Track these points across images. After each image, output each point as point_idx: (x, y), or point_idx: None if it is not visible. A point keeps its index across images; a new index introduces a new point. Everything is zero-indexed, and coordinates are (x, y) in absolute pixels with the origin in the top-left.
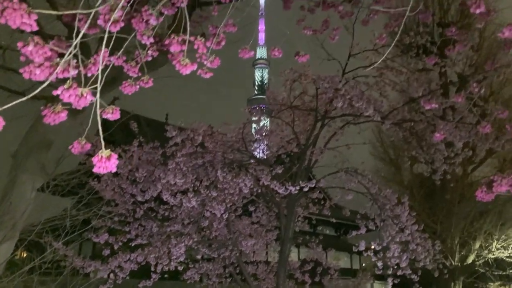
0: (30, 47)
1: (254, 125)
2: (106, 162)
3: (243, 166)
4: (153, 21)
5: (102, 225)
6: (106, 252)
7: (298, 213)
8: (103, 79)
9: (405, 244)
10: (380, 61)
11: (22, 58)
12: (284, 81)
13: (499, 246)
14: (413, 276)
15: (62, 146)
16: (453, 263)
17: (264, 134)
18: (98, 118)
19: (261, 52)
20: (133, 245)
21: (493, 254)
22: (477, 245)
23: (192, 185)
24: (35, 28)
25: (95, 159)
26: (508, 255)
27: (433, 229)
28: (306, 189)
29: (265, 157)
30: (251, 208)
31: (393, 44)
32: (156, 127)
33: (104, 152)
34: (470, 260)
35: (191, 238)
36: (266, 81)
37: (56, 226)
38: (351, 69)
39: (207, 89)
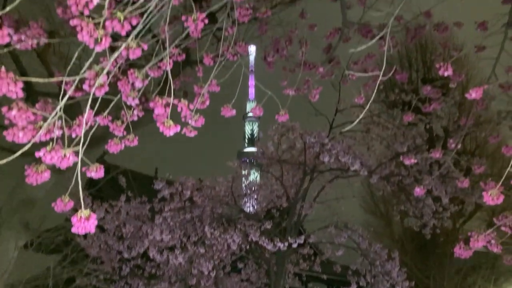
0: (14, 112)
1: (244, 179)
2: (85, 222)
3: (232, 221)
4: (138, 84)
5: (87, 283)
6: None
7: (288, 269)
8: (88, 139)
9: None
10: (361, 117)
11: (6, 122)
12: (272, 136)
13: None
14: None
15: (48, 202)
16: None
17: (253, 188)
18: (79, 179)
19: (251, 106)
20: None
21: None
22: None
23: (180, 241)
24: (21, 95)
25: (73, 219)
26: None
27: (426, 284)
28: (295, 245)
29: (254, 211)
30: (240, 265)
31: (369, 103)
32: (145, 181)
33: (84, 212)
34: None
35: None
36: (256, 135)
37: (39, 285)
38: (339, 124)
39: (197, 141)
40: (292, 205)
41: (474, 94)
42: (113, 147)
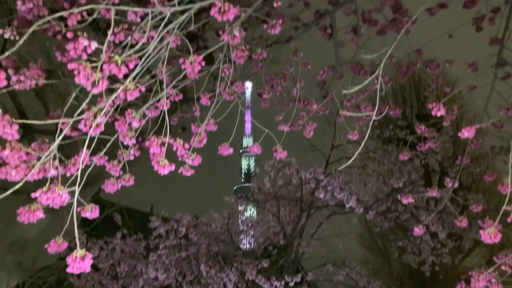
0: (7, 152)
1: (240, 215)
2: (80, 262)
3: (228, 259)
4: (135, 124)
5: None
6: None
7: None
8: (84, 179)
9: None
10: (357, 154)
11: None
12: (269, 171)
13: None
14: None
15: (41, 240)
16: None
17: (250, 224)
18: (75, 219)
19: (248, 141)
20: None
21: None
22: None
23: (175, 280)
24: (16, 137)
25: (69, 259)
26: None
27: None
28: (292, 284)
29: (251, 248)
30: None
31: (365, 140)
32: (140, 218)
33: (79, 252)
34: None
35: None
36: (252, 170)
37: None
38: (335, 159)
39: (193, 176)
40: (290, 242)
41: (466, 133)
42: (110, 187)
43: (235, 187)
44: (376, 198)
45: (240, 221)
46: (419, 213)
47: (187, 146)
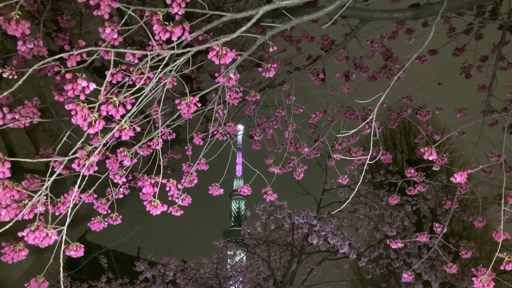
0: None
1: (229, 260)
2: None
3: None
4: (127, 162)
5: None
6: None
7: None
8: (72, 217)
9: None
10: (349, 200)
11: None
12: (260, 215)
13: None
14: None
15: (24, 284)
16: None
17: (239, 270)
18: (61, 260)
19: (238, 184)
20: None
21: None
22: None
23: None
24: (8, 175)
25: None
26: None
27: None
28: None
29: None
30: None
31: (358, 186)
32: (127, 261)
33: None
34: None
35: None
36: (242, 213)
37: None
38: (326, 203)
39: (181, 218)
40: None
41: (459, 178)
42: (96, 225)
43: (224, 230)
44: (368, 244)
45: (228, 266)
46: (411, 261)
47: (179, 186)
